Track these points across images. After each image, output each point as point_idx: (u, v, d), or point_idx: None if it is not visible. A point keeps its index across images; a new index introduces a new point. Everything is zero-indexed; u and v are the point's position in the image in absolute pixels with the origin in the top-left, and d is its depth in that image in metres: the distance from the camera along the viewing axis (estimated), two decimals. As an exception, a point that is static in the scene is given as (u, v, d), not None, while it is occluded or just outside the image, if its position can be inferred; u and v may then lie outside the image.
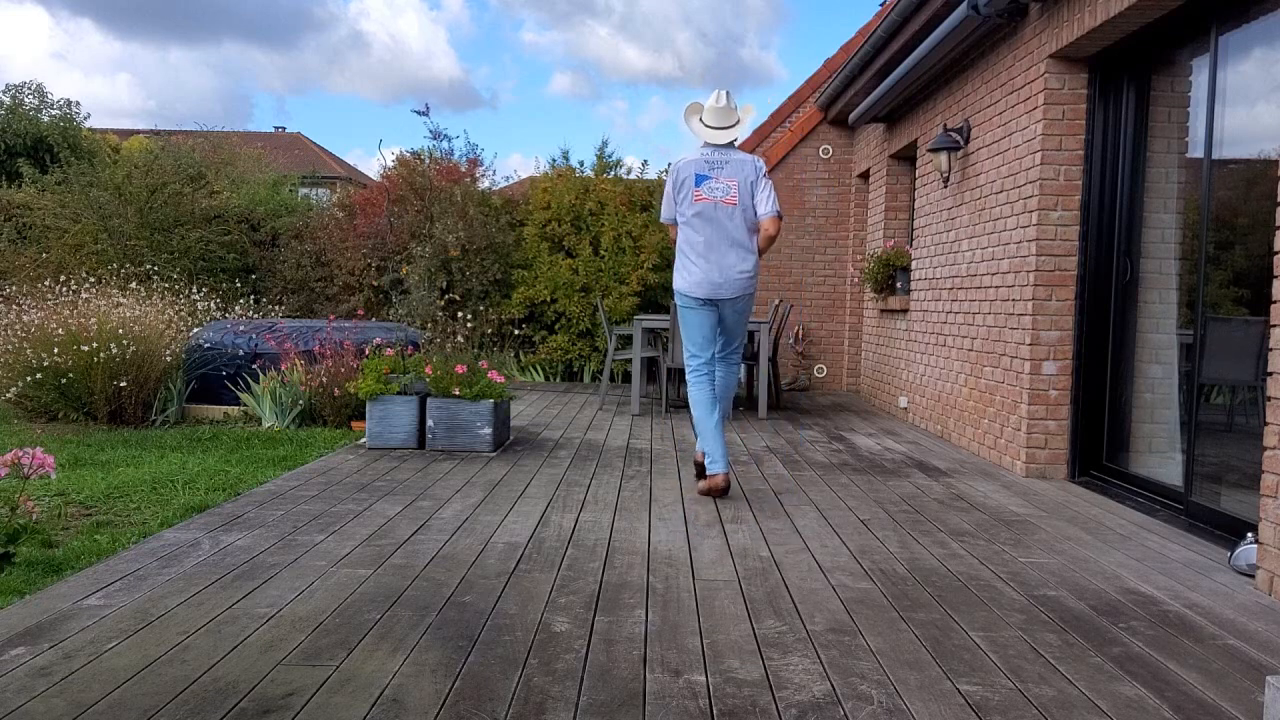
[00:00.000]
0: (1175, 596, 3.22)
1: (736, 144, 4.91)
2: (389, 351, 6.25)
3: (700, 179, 4.76)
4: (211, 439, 6.13)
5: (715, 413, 4.77)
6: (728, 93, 4.89)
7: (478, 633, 2.72)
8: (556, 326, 10.98)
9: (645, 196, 11.07)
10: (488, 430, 5.83)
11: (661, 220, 4.98)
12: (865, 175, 10.01)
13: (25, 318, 7.06)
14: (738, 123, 4.86)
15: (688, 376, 4.88)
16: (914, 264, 7.76)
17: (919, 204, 7.67)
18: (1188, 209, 4.75)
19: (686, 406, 8.38)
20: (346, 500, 4.43)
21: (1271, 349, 3.23)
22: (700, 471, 4.83)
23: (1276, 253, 3.24)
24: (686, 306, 4.85)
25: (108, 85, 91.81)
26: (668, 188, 4.88)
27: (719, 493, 4.66)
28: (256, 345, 7.20)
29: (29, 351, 6.64)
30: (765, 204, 4.72)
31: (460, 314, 10.21)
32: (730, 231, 4.71)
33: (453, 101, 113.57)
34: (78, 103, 20.04)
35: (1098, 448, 5.35)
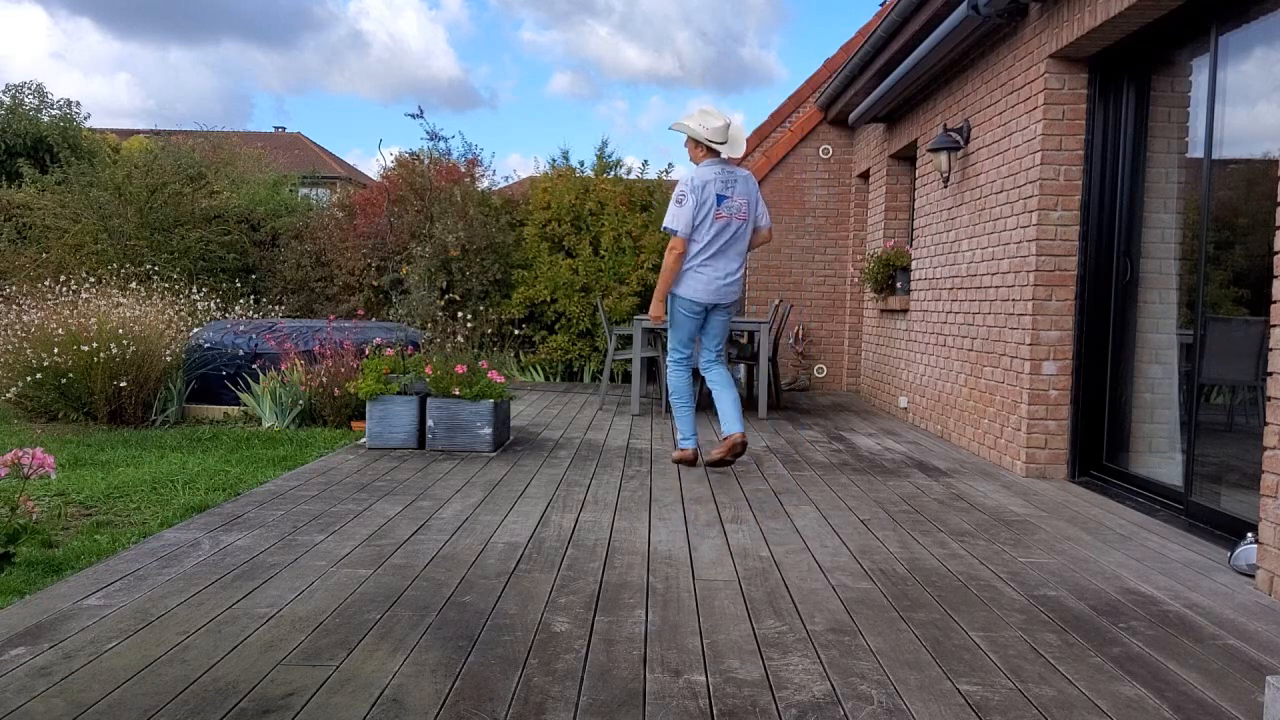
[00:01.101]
0: (1175, 596, 3.22)
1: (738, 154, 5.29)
2: (389, 351, 6.25)
3: (720, 199, 5.14)
4: (211, 439, 6.13)
5: (691, 397, 5.48)
6: (714, 109, 5.21)
7: (478, 633, 2.72)
8: (556, 326, 10.98)
9: (645, 196, 11.07)
10: (488, 430, 5.83)
11: (677, 232, 5.11)
12: (865, 175, 10.01)
13: (25, 318, 7.06)
14: (728, 141, 5.20)
15: (672, 368, 5.46)
16: (914, 264, 7.76)
17: (919, 204, 7.67)
18: (1188, 209, 4.75)
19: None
20: (346, 500, 4.43)
21: (1271, 349, 3.23)
22: (691, 457, 5.48)
23: (1276, 253, 3.24)
24: (684, 311, 5.29)
25: (107, 85, 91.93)
26: (688, 203, 5.08)
27: (688, 463, 5.44)
28: (256, 345, 7.20)
29: (29, 351, 6.63)
30: (765, 218, 5.35)
31: (460, 314, 10.21)
32: (739, 245, 5.23)
33: (452, 101, 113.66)
34: (78, 103, 20.04)
35: (1098, 448, 5.35)
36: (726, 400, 5.30)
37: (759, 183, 10.22)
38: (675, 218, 5.12)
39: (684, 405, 5.46)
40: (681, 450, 5.46)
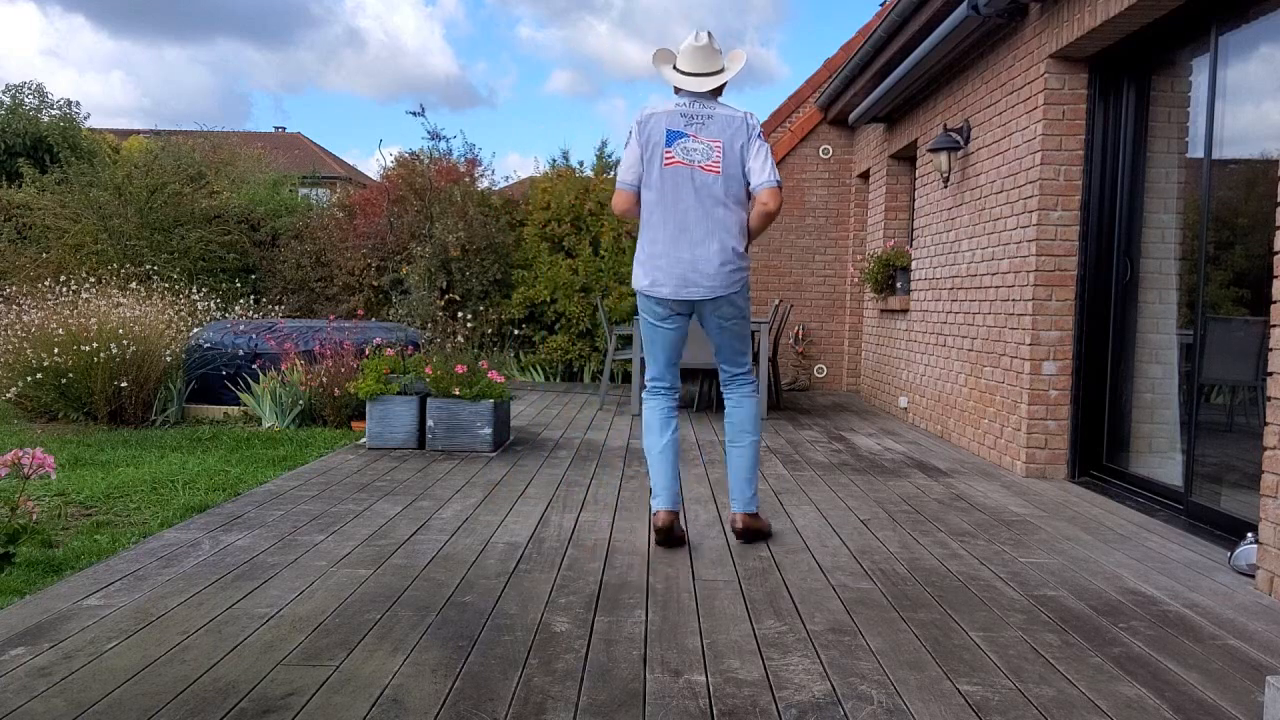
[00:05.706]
0: (1175, 596, 3.22)
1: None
2: (389, 351, 6.25)
3: (673, 136, 3.63)
4: (211, 439, 6.13)
5: (666, 435, 3.79)
6: (709, 33, 3.76)
7: (478, 633, 2.72)
8: (556, 327, 10.98)
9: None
10: (488, 430, 5.83)
11: (618, 185, 3.75)
12: (865, 175, 10.01)
13: (25, 318, 7.06)
14: (722, 69, 3.74)
15: (644, 396, 3.89)
16: (914, 264, 7.76)
17: (919, 204, 7.67)
18: (1188, 209, 4.75)
19: (687, 406, 8.38)
20: (346, 500, 4.42)
21: (1271, 349, 3.23)
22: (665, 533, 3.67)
23: (1276, 253, 3.24)
24: (647, 314, 3.76)
25: (101, 83, 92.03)
26: (630, 145, 3.71)
27: (661, 535, 3.65)
28: (256, 345, 7.20)
29: (29, 351, 6.63)
30: (761, 171, 3.61)
31: (460, 314, 10.21)
32: (708, 208, 3.61)
33: (450, 99, 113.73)
34: (78, 103, 20.11)
35: (1098, 448, 5.35)
36: (734, 454, 3.82)
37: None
38: (620, 166, 3.77)
39: (651, 448, 3.81)
40: (655, 513, 3.67)
